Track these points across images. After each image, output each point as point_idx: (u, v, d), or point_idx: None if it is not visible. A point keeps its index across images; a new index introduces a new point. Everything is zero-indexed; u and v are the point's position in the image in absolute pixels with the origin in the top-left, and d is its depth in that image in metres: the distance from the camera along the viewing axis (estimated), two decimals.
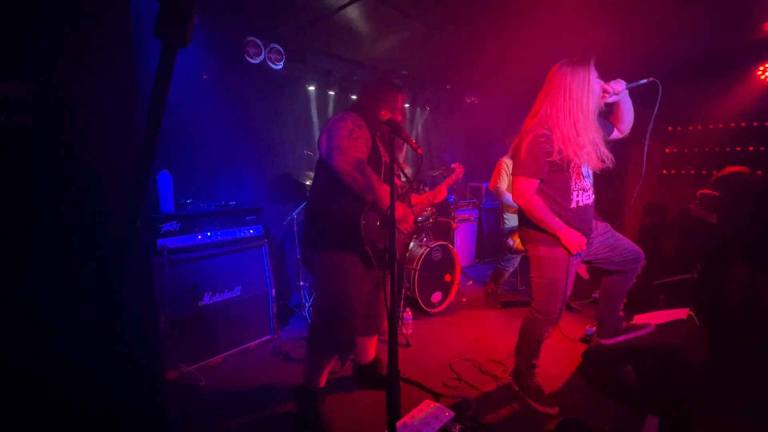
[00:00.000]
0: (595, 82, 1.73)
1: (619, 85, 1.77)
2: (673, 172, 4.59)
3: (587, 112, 1.72)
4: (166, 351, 2.15)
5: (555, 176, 1.79)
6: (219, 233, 2.49)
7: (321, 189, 1.82)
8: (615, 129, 1.96)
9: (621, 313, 2.20)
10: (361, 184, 1.66)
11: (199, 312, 2.35)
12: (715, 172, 4.31)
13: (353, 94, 3.92)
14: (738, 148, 4.11)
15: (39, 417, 0.84)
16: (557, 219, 1.78)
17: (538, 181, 1.80)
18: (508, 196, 3.12)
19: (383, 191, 1.71)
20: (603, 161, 1.79)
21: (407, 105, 4.75)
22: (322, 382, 1.92)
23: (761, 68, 3.78)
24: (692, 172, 4.44)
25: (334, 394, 2.14)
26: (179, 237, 2.29)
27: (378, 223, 1.79)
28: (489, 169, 5.27)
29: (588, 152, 1.74)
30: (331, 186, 1.74)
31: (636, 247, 2.02)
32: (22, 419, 0.81)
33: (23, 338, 0.81)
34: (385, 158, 1.80)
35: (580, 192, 1.84)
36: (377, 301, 2.02)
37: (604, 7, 2.72)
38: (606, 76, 1.81)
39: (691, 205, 3.25)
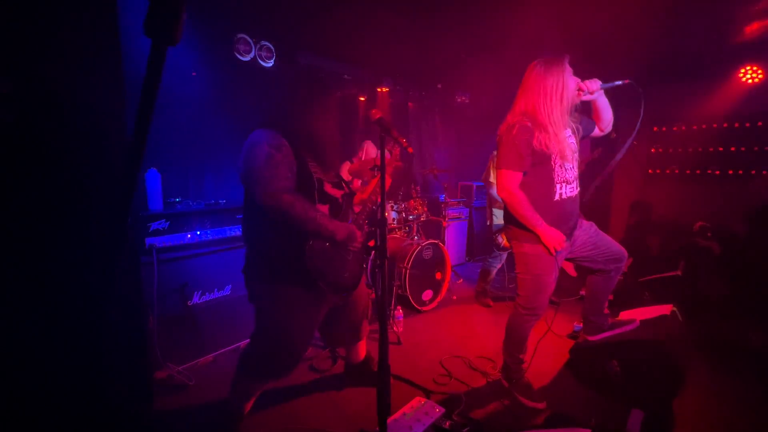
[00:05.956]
0: (570, 79, 1.79)
1: (594, 84, 1.83)
2: (658, 171, 4.69)
3: (562, 107, 1.78)
4: (155, 351, 2.13)
5: (538, 168, 1.83)
6: (208, 232, 2.47)
7: (253, 218, 1.64)
8: (596, 127, 2.02)
9: (606, 311, 2.24)
10: (294, 216, 1.48)
11: (189, 311, 2.33)
12: (698, 171, 4.43)
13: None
14: (720, 149, 4.22)
15: (26, 416, 0.83)
16: (538, 216, 1.81)
17: (522, 173, 1.83)
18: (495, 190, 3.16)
19: (323, 218, 1.55)
20: (573, 153, 1.86)
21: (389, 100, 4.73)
22: (248, 408, 1.78)
23: (743, 70, 3.89)
24: (677, 171, 4.54)
25: (325, 391, 2.15)
26: (168, 236, 2.26)
27: (326, 255, 1.62)
28: (480, 168, 5.29)
29: (561, 145, 1.80)
30: (261, 214, 1.57)
31: (619, 247, 2.06)
32: (8, 418, 0.80)
33: (9, 338, 0.80)
34: (317, 175, 1.60)
35: (564, 184, 1.87)
36: (352, 311, 1.93)
37: (590, 9, 2.77)
38: (595, 75, 1.85)
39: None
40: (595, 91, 1.84)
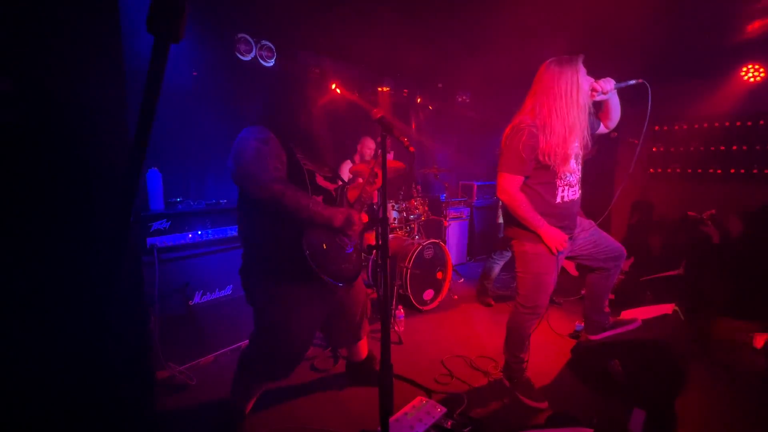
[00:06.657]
0: (584, 80, 1.75)
1: (609, 84, 1.79)
2: (659, 170, 4.68)
3: (578, 108, 1.73)
4: (156, 351, 2.13)
5: (541, 171, 1.82)
6: (209, 232, 2.47)
7: (247, 215, 1.65)
8: (602, 124, 2.00)
9: (607, 309, 2.24)
10: (286, 205, 1.48)
11: (190, 311, 2.33)
12: (699, 170, 4.42)
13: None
14: (722, 148, 4.21)
15: (26, 416, 0.83)
16: (539, 217, 1.80)
17: (523, 177, 1.82)
18: None
19: (316, 205, 1.55)
20: (578, 157, 1.83)
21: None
22: (249, 407, 1.78)
23: (744, 69, 3.88)
24: (678, 170, 4.53)
25: (327, 391, 2.15)
26: (169, 235, 2.26)
27: (324, 246, 1.61)
28: (480, 168, 5.29)
29: (567, 150, 1.76)
30: (256, 211, 1.59)
31: (618, 245, 2.06)
32: (9, 419, 0.80)
33: (11, 338, 0.80)
34: (307, 167, 1.61)
35: (566, 188, 1.86)
36: (351, 310, 1.93)
37: (591, 7, 2.76)
38: (593, 76, 1.83)
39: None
40: (609, 91, 1.80)
